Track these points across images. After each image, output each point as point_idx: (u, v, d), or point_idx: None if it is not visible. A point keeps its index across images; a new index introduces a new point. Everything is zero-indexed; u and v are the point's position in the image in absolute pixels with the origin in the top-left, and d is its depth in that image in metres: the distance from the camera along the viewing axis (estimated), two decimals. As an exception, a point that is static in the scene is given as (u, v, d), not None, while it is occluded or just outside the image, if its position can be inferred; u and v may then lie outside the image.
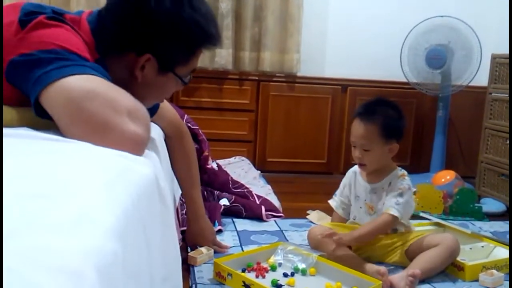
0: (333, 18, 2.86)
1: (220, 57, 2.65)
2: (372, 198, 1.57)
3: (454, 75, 2.56)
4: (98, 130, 0.78)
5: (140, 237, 0.57)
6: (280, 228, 1.83)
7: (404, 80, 2.67)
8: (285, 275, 1.39)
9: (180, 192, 1.50)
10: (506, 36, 2.49)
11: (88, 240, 0.42)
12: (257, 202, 1.97)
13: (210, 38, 1.00)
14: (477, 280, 1.43)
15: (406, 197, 1.49)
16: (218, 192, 1.96)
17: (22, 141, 0.71)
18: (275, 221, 1.91)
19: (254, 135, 2.79)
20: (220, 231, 1.72)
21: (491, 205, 2.26)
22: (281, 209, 2.01)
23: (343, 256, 1.45)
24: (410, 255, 1.49)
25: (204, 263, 1.45)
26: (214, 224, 1.70)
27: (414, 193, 2.19)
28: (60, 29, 0.86)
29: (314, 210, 2.04)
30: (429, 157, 2.72)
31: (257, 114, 2.78)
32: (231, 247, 1.59)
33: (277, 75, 2.77)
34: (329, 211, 1.77)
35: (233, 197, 1.94)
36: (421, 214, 1.99)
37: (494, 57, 2.46)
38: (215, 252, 1.51)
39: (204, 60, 2.64)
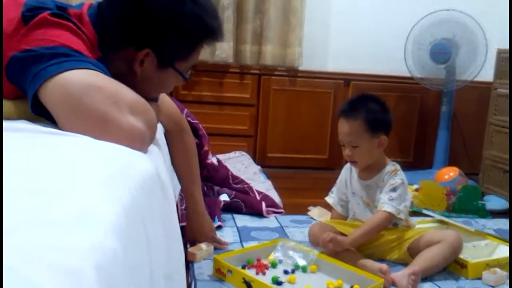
0: (336, 11, 2.83)
1: (221, 50, 2.62)
2: (368, 194, 1.56)
3: (459, 70, 2.53)
4: (97, 125, 0.76)
5: (140, 234, 0.56)
6: (280, 224, 1.81)
7: (408, 74, 2.65)
8: (286, 272, 1.37)
9: (180, 187, 1.48)
10: None
11: (87, 237, 0.41)
12: (258, 197, 1.95)
13: (212, 33, 0.98)
14: (480, 278, 1.42)
15: (399, 191, 1.47)
16: (218, 187, 1.95)
17: (20, 135, 0.71)
18: (275, 217, 1.89)
19: (255, 129, 2.77)
20: (220, 227, 1.71)
21: (494, 202, 2.24)
22: (281, 205, 1.99)
23: (344, 253, 1.43)
24: (413, 252, 1.47)
25: (204, 259, 1.43)
26: (214, 219, 1.68)
27: (417, 189, 2.18)
28: (63, 31, 0.85)
29: (315, 206, 2.02)
30: (433, 153, 2.70)
31: (258, 108, 2.75)
32: (231, 243, 1.58)
33: (278, 69, 2.75)
34: (330, 207, 1.76)
35: (233, 192, 1.92)
36: (424, 211, 1.98)
37: (499, 52, 2.43)
38: (215, 248, 1.49)
39: (205, 53, 2.60)
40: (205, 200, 1.62)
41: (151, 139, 0.85)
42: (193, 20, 0.93)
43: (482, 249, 1.61)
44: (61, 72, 0.77)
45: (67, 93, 0.77)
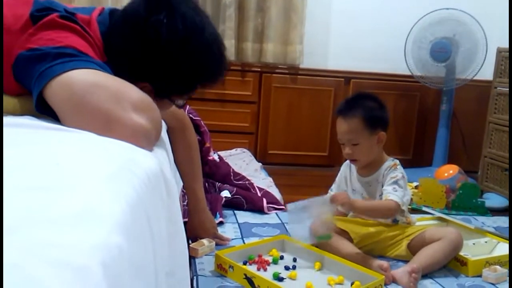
0: (337, 10, 2.83)
1: (222, 48, 2.62)
2: (368, 191, 1.57)
3: (459, 69, 2.54)
4: (102, 123, 0.76)
5: (145, 231, 0.56)
6: (281, 221, 1.82)
7: (408, 73, 2.65)
8: (287, 268, 1.38)
9: (182, 184, 1.48)
10: (512, 30, 2.47)
11: (93, 234, 0.41)
12: (259, 194, 1.96)
13: (213, 78, 1.00)
14: (480, 276, 1.42)
15: (401, 183, 1.49)
16: (219, 184, 1.95)
17: (23, 131, 0.70)
18: (276, 213, 1.90)
19: (256, 127, 2.78)
20: (221, 223, 1.72)
21: (494, 200, 2.25)
22: (282, 202, 2.00)
23: (345, 250, 1.44)
24: (413, 248, 1.48)
25: (206, 255, 1.44)
26: (215, 216, 1.69)
27: (416, 187, 2.19)
28: (71, 33, 0.85)
29: (316, 203, 2.02)
30: (432, 151, 2.70)
31: (259, 106, 2.76)
32: (232, 239, 1.59)
33: (279, 66, 2.75)
34: (331, 204, 1.76)
35: (235, 189, 1.93)
36: (424, 209, 1.99)
37: (499, 51, 2.43)
38: (216, 244, 1.50)
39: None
40: (206, 197, 1.63)
41: (157, 137, 0.85)
42: (195, 64, 0.94)
43: (482, 246, 1.61)
44: (66, 71, 0.78)
45: (72, 92, 0.77)
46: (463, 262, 1.45)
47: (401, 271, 1.36)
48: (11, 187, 0.44)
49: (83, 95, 0.77)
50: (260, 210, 1.89)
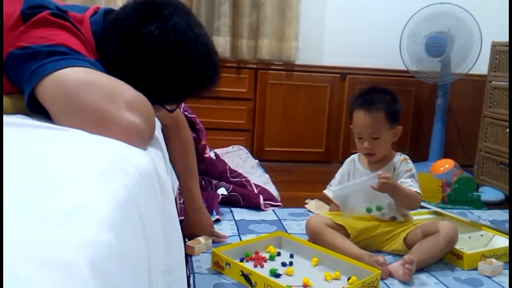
0: (332, 5, 2.83)
1: (217, 45, 2.61)
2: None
3: (454, 63, 2.54)
4: (94, 122, 0.76)
5: (137, 229, 0.56)
6: (278, 217, 1.82)
7: (403, 68, 2.65)
8: (284, 264, 1.38)
9: (178, 182, 1.48)
10: (507, 24, 2.47)
11: (81, 231, 0.41)
12: (255, 191, 1.96)
13: (205, 86, 0.99)
14: (476, 269, 1.43)
15: (416, 177, 1.53)
16: (216, 181, 1.95)
17: (14, 129, 0.70)
18: (273, 210, 1.90)
19: (252, 124, 2.78)
20: (218, 220, 1.72)
21: (489, 194, 2.26)
22: (279, 198, 2.00)
23: (341, 245, 1.44)
24: (409, 243, 1.49)
25: (202, 252, 1.44)
26: (212, 213, 1.69)
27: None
28: (62, 31, 0.85)
29: (312, 199, 2.03)
30: (428, 146, 2.71)
31: (255, 102, 2.76)
32: (229, 236, 1.59)
33: (275, 63, 2.75)
34: (327, 200, 1.77)
35: (231, 186, 1.93)
36: (420, 203, 1.99)
37: (494, 45, 2.44)
38: (213, 241, 1.50)
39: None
40: (203, 194, 1.63)
41: (151, 135, 0.84)
42: (186, 75, 0.93)
43: (478, 240, 1.62)
44: (59, 69, 0.77)
45: (65, 90, 0.76)
46: (459, 256, 1.46)
47: (396, 265, 1.36)
48: (-1, 186, 0.43)
49: (76, 94, 0.76)
50: (256, 207, 1.90)
